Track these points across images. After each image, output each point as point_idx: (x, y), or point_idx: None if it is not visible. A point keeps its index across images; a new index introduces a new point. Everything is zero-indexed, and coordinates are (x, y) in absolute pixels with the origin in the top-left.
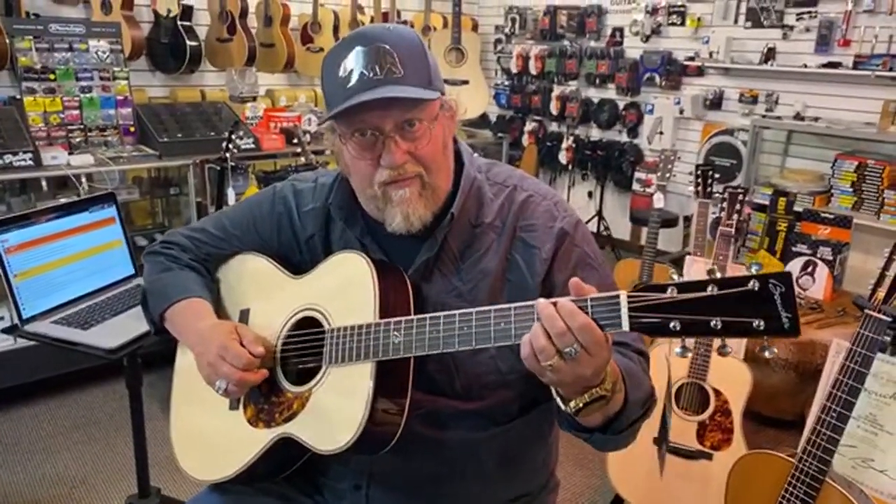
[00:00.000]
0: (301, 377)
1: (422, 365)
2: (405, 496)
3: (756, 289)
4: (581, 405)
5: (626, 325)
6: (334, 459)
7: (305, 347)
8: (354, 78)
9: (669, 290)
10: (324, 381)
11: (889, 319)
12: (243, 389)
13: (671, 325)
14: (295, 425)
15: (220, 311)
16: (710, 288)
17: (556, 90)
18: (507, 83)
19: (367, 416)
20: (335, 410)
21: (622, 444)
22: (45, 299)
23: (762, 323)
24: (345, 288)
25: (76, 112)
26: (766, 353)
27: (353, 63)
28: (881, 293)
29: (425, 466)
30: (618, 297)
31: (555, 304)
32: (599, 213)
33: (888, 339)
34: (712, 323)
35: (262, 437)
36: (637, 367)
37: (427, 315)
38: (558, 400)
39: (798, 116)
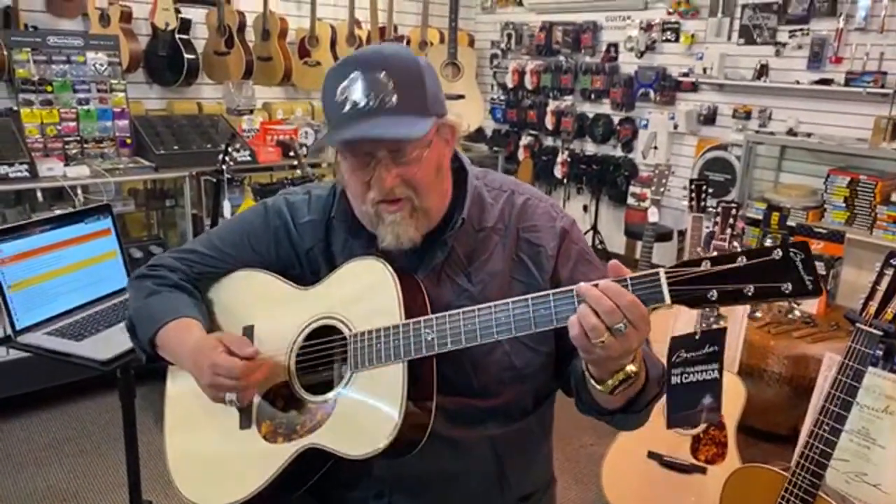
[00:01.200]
0: (319, 387)
1: (439, 366)
2: (427, 499)
3: (779, 257)
4: (617, 383)
5: (668, 299)
6: (356, 468)
7: (323, 356)
8: (348, 105)
9: (704, 263)
10: (350, 386)
11: (880, 333)
12: (252, 392)
13: (709, 294)
14: (321, 435)
15: (222, 332)
16: (739, 259)
17: (552, 105)
18: (503, 98)
19: (402, 418)
20: (366, 415)
21: (640, 423)
22: (39, 310)
23: (789, 286)
24: (365, 293)
25: (73, 124)
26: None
27: (349, 90)
28: (872, 307)
29: (446, 467)
30: (657, 273)
31: (596, 285)
32: (594, 227)
33: (880, 352)
34: (745, 290)
35: (284, 452)
36: (647, 347)
37: (459, 310)
38: (592, 382)
39: (791, 132)
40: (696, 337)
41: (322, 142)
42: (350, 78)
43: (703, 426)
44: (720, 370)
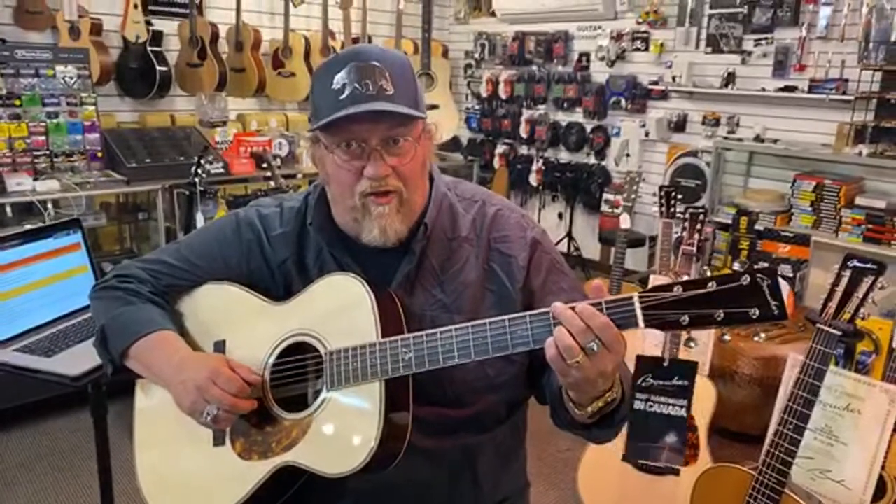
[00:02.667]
0: (293, 404)
1: (413, 377)
2: None
3: (747, 283)
4: (596, 410)
5: (641, 323)
6: (330, 480)
7: (297, 373)
8: (347, 91)
9: (675, 288)
10: (326, 404)
11: (839, 333)
12: (232, 418)
13: (681, 319)
14: (297, 452)
15: (192, 345)
16: (710, 285)
17: (526, 114)
18: (477, 107)
19: (380, 435)
20: (344, 433)
21: (614, 436)
22: (8, 327)
23: (757, 311)
24: (341, 310)
25: (42, 138)
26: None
27: (346, 78)
28: (832, 308)
29: (420, 477)
30: (631, 298)
31: (572, 307)
32: (569, 234)
33: (841, 351)
34: (716, 315)
35: (259, 470)
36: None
37: (437, 330)
38: (571, 405)
39: (758, 138)
40: (665, 364)
41: (325, 120)
42: (347, 68)
43: (662, 465)
44: (688, 408)
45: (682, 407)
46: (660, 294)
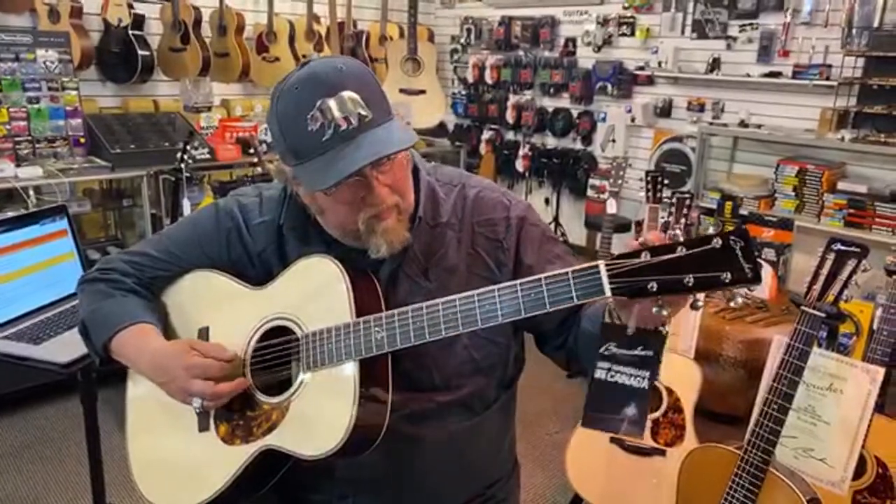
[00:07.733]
0: (274, 388)
1: (399, 364)
2: (391, 498)
3: (719, 246)
4: None
5: (608, 292)
6: (318, 470)
7: (277, 357)
8: (329, 132)
9: (643, 254)
10: (303, 387)
11: (823, 315)
12: (221, 400)
13: (649, 286)
14: (277, 436)
15: (176, 334)
16: (679, 249)
17: (512, 99)
18: (463, 92)
19: (355, 416)
20: (320, 415)
21: None
22: None
23: (729, 275)
24: (315, 292)
25: (23, 123)
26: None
27: (322, 116)
28: (815, 290)
29: (409, 465)
30: (597, 266)
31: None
32: (556, 220)
33: (824, 333)
34: (685, 280)
35: (242, 454)
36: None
37: (408, 307)
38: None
39: (742, 123)
40: (629, 332)
41: (333, 183)
42: (318, 105)
43: (621, 436)
44: (651, 380)
45: (644, 378)
46: (627, 261)
